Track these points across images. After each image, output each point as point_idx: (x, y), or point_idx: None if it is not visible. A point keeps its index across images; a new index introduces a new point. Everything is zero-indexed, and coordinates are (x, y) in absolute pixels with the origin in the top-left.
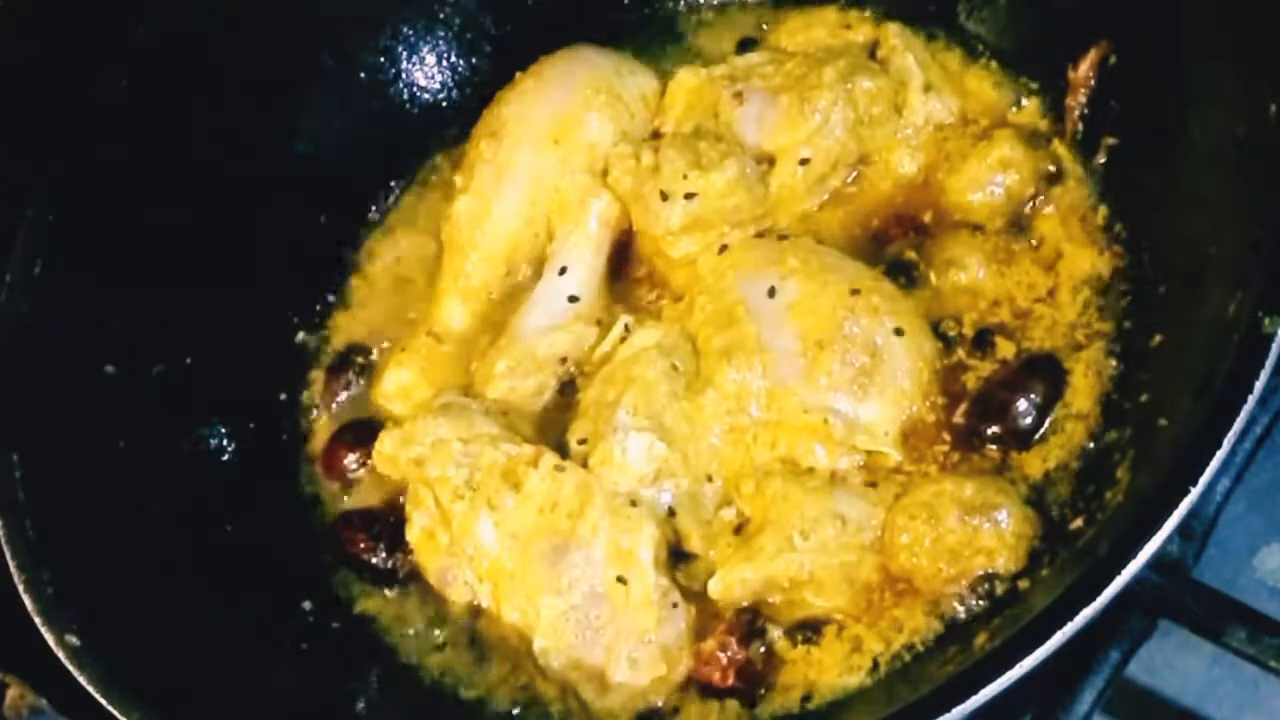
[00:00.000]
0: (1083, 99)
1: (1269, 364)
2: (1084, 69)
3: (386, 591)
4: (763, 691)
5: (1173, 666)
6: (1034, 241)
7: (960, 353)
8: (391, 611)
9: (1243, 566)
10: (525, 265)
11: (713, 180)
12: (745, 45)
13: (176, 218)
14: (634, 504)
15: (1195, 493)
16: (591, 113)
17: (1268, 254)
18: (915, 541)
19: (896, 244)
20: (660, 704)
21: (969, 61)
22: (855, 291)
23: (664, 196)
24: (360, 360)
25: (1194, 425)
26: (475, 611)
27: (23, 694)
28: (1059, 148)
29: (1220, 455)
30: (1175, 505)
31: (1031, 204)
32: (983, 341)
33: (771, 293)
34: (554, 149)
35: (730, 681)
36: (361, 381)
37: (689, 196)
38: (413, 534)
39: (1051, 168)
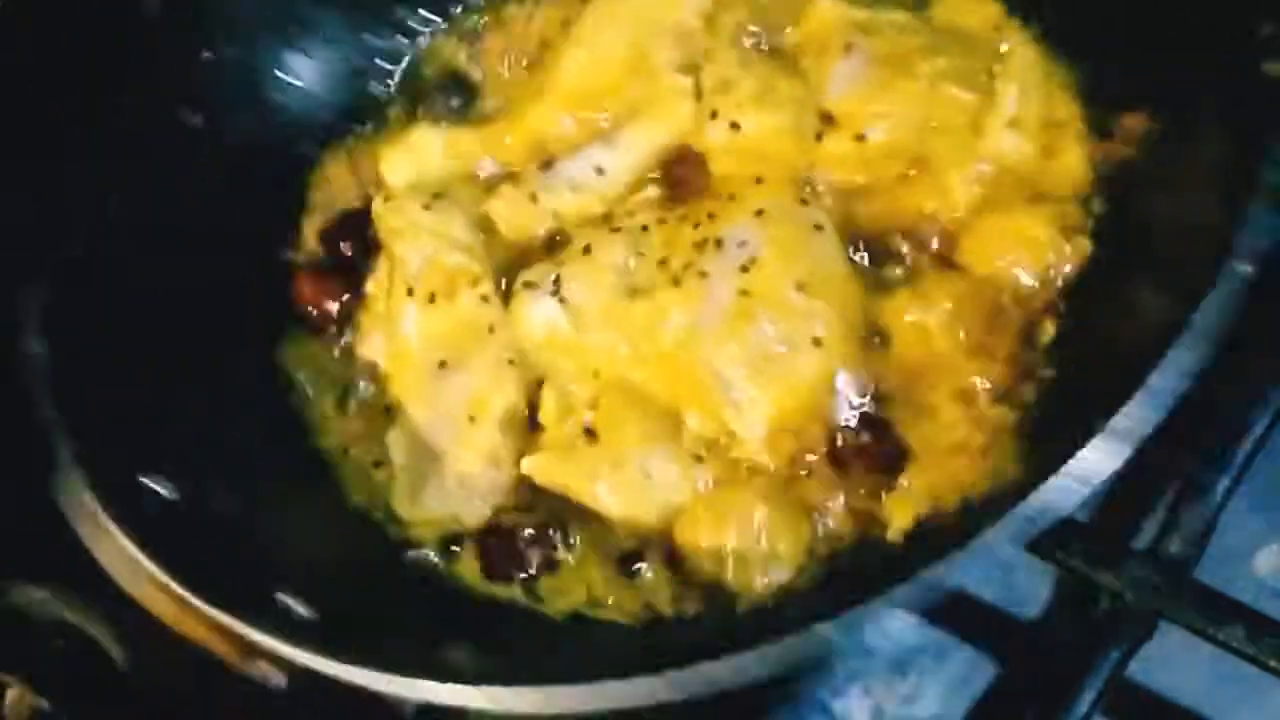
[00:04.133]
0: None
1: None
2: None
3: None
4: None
5: (1173, 666)
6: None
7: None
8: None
9: (1243, 566)
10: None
11: (763, 121)
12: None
13: None
14: (511, 363)
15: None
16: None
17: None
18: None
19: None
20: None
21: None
22: (802, 287)
23: (714, 115)
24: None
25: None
26: (373, 373)
27: (23, 694)
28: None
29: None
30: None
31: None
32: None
33: (743, 245)
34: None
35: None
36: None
37: (734, 126)
38: (369, 287)
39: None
